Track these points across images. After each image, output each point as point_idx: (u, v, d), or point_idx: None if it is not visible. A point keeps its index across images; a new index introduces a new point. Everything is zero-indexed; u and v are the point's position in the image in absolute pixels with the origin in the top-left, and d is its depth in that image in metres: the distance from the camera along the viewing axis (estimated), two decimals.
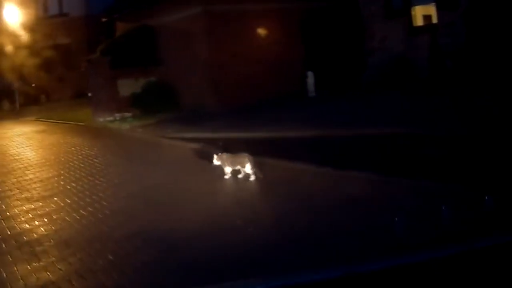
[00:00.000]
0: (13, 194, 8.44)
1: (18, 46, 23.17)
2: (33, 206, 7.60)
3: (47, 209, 7.38)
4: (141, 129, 15.02)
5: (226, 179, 7.57)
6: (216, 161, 7.59)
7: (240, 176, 7.43)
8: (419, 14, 16.21)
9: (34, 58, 22.89)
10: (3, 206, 7.77)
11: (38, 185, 9.02)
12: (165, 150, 11.71)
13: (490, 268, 1.75)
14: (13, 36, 23.50)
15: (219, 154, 7.60)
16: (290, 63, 16.37)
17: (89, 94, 22.36)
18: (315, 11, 17.09)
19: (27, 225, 6.68)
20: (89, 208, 7.19)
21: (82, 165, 10.47)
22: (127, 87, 17.59)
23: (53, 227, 6.48)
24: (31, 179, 9.51)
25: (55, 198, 7.98)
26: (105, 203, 7.39)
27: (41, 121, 19.66)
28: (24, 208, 7.56)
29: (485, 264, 1.77)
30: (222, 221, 5.86)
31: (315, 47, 16.86)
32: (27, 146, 13.52)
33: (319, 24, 17.01)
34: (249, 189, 7.21)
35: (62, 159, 11.42)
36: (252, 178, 7.25)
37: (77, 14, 28.46)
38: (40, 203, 7.73)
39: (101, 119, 17.31)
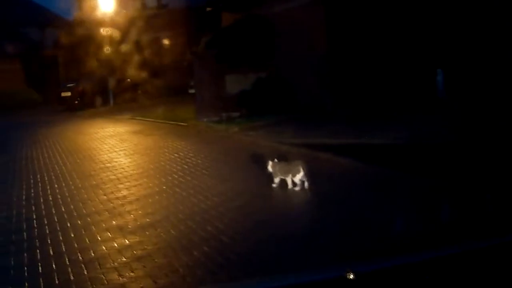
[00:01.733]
0: (101, 220, 6.38)
1: (113, 40, 22.75)
2: (127, 242, 5.53)
3: (147, 248, 5.38)
4: (253, 132, 12.87)
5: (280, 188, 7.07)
6: (269, 169, 7.11)
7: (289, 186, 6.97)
8: None
9: (130, 52, 22.14)
10: (87, 240, 5.70)
11: (133, 206, 6.96)
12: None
13: (489, 268, 1.76)
14: (109, 29, 23.12)
15: (274, 161, 7.12)
16: (417, 58, 13.64)
17: (190, 91, 21.08)
18: None
19: (119, 277, 4.62)
20: (205, 248, 5.20)
21: (189, 178, 8.42)
22: (235, 83, 15.93)
23: (157, 283, 4.31)
24: (125, 196, 7.48)
25: (158, 229, 5.89)
26: (225, 239, 5.44)
27: (137, 119, 18.05)
28: (115, 244, 5.49)
29: (485, 264, 1.78)
30: None
31: (445, 40, 13.99)
32: (120, 151, 11.66)
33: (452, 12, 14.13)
34: None
35: (163, 169, 9.43)
36: (298, 188, 6.90)
37: (176, 6, 27.32)
38: (137, 237, 5.66)
39: (205, 119, 15.37)
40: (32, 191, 8.21)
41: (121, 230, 5.96)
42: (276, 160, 7.13)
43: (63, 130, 16.66)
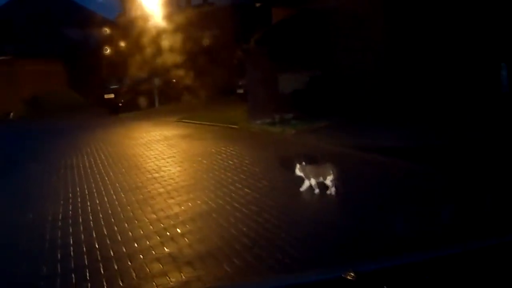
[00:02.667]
0: (151, 247, 5.37)
1: (157, 39, 21.98)
2: (183, 277, 4.47)
3: None
4: (311, 135, 11.94)
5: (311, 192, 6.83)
6: (298, 172, 6.91)
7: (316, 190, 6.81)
8: None
9: (175, 51, 21.39)
10: (133, 275, 4.63)
11: (187, 227, 5.96)
12: (369, 170, 8.29)
13: (489, 268, 1.76)
14: (153, 29, 22.34)
15: (302, 164, 6.92)
16: (479, 52, 12.43)
17: (238, 91, 20.28)
18: None
19: None
20: None
21: (248, 191, 7.40)
22: (288, 83, 15.02)
23: None
24: (177, 215, 6.46)
25: (219, 259, 4.81)
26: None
27: (184, 122, 17.10)
28: (169, 280, 4.40)
29: (485, 264, 1.78)
30: None
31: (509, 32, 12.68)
32: (168, 158, 10.66)
33: None
34: None
35: (217, 179, 8.39)
36: (332, 191, 6.69)
37: (222, 3, 26.64)
38: (195, 270, 4.71)
39: (258, 121, 14.34)
40: (70, 207, 7.26)
41: (175, 260, 4.94)
42: (304, 163, 6.97)
43: (106, 135, 15.84)
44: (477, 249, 1.90)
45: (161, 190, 7.84)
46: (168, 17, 22.28)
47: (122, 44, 25.18)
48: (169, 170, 9.36)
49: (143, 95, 23.60)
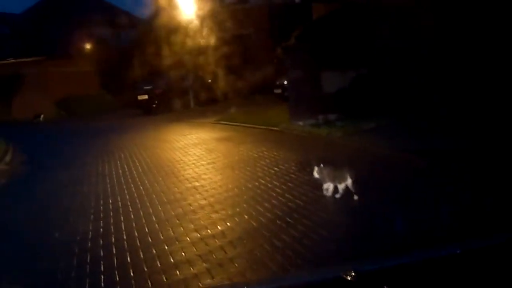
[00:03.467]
0: (196, 276, 4.68)
1: (191, 38, 21.66)
2: None
3: None
4: (360, 137, 11.16)
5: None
6: (316, 175, 6.62)
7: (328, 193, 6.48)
8: None
9: (210, 50, 21.01)
10: None
11: (237, 250, 5.23)
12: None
13: (489, 268, 1.74)
14: (188, 27, 21.93)
15: (321, 166, 6.64)
16: None
17: (276, 91, 19.71)
18: None
19: None
20: None
21: (300, 203, 6.69)
22: (332, 81, 14.14)
23: None
24: (223, 234, 5.68)
25: None
26: None
27: (222, 124, 16.38)
28: None
29: (485, 264, 1.76)
30: None
31: None
32: (208, 164, 9.86)
33: None
34: None
35: (264, 188, 7.60)
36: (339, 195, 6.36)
37: (258, 1, 25.88)
38: None
39: (300, 122, 13.49)
40: (101, 223, 6.49)
41: None
42: (322, 165, 6.75)
43: (140, 138, 15.16)
44: (477, 249, 1.88)
45: (203, 202, 7.03)
46: (201, 15, 21.84)
47: (155, 43, 24.64)
48: (210, 178, 8.56)
49: (177, 96, 23.23)
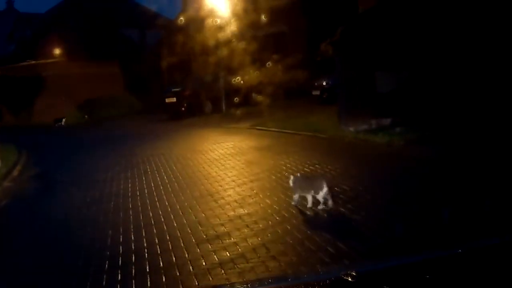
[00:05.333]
0: None
1: (222, 39, 21.06)
2: None
3: None
4: (428, 147, 9.62)
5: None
6: (290, 183, 6.43)
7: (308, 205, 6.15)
8: None
9: (242, 51, 20.06)
10: None
11: None
12: None
13: (490, 268, 1.73)
14: (216, 28, 21.23)
15: (297, 175, 6.56)
16: None
17: (314, 92, 18.83)
18: None
19: None
20: None
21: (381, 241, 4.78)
22: (387, 81, 12.73)
23: None
24: None
25: None
26: None
27: (258, 130, 14.88)
28: None
29: (485, 264, 1.74)
30: None
31: None
32: (251, 182, 8.21)
33: None
34: None
35: (332, 220, 5.76)
36: (321, 207, 6.12)
37: None
38: None
39: (351, 128, 11.88)
40: (119, 277, 4.78)
41: None
42: (298, 174, 6.75)
43: (168, 146, 13.55)
44: (477, 249, 1.87)
45: (255, 241, 5.31)
46: (232, 14, 20.97)
47: (184, 44, 23.56)
48: (258, 203, 6.83)
49: (208, 99, 22.41)
